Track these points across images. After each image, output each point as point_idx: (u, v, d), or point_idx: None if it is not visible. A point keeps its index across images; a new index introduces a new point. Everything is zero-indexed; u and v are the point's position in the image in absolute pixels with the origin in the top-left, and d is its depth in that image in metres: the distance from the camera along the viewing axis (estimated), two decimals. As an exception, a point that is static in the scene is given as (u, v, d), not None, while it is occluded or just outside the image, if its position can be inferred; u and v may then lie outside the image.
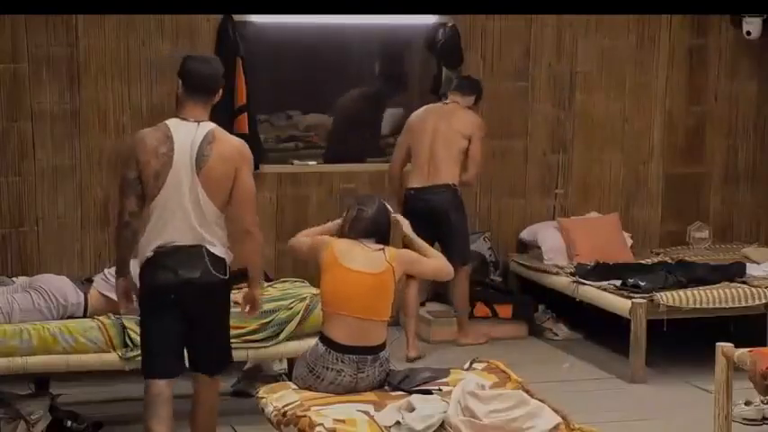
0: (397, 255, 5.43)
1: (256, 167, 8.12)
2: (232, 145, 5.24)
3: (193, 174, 5.11)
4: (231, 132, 7.91)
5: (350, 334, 5.28)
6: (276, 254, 8.35)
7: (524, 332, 8.46)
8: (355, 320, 5.29)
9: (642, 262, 8.35)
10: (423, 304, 8.40)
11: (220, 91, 5.32)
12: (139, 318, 5.34)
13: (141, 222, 5.20)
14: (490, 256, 8.73)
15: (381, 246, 5.43)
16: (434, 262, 5.59)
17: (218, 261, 5.18)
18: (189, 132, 5.15)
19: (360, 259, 5.34)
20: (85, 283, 6.38)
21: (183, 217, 5.12)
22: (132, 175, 5.16)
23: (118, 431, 6.35)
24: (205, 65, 5.34)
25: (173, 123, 5.20)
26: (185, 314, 5.18)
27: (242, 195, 5.19)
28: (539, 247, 8.58)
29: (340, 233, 5.48)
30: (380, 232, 5.48)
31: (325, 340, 5.33)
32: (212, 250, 5.16)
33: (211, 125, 5.22)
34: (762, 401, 6.45)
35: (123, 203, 5.20)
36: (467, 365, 5.61)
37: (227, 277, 5.22)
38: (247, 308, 5.45)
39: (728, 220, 9.40)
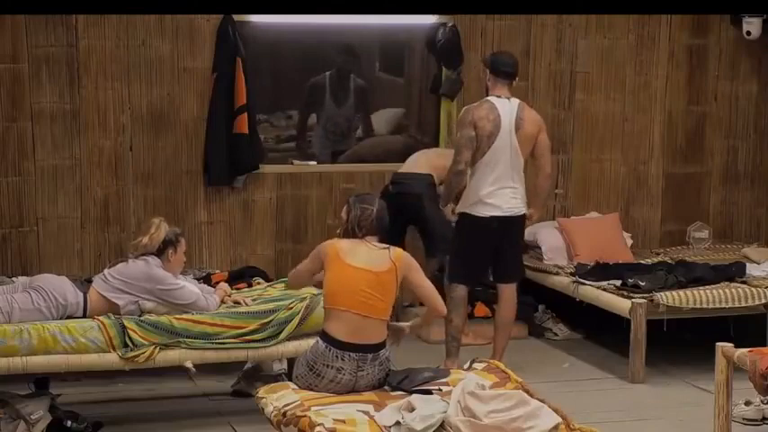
0: (402, 255, 5.46)
1: (256, 168, 8.22)
2: (535, 114, 7.15)
3: (512, 134, 6.93)
4: (231, 132, 8.01)
5: (350, 331, 5.30)
6: (276, 254, 8.35)
7: (524, 332, 8.46)
8: (355, 317, 5.30)
9: (642, 262, 8.33)
10: (422, 304, 8.37)
11: (517, 78, 7.18)
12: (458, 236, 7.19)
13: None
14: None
15: (386, 245, 5.46)
16: (433, 287, 5.62)
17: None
18: (505, 105, 6.98)
19: (363, 257, 5.37)
20: (85, 283, 6.38)
21: (504, 166, 6.93)
22: (470, 134, 6.89)
23: (118, 431, 6.35)
24: (506, 57, 7.22)
25: (493, 99, 6.99)
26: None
27: (542, 150, 7.10)
28: (539, 247, 8.57)
29: (344, 233, 5.49)
30: (383, 230, 5.52)
31: (325, 337, 5.34)
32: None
33: (518, 100, 7.07)
34: (762, 401, 6.45)
35: (463, 155, 6.91)
36: (467, 365, 5.61)
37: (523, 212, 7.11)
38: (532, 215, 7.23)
39: (728, 220, 9.39)
